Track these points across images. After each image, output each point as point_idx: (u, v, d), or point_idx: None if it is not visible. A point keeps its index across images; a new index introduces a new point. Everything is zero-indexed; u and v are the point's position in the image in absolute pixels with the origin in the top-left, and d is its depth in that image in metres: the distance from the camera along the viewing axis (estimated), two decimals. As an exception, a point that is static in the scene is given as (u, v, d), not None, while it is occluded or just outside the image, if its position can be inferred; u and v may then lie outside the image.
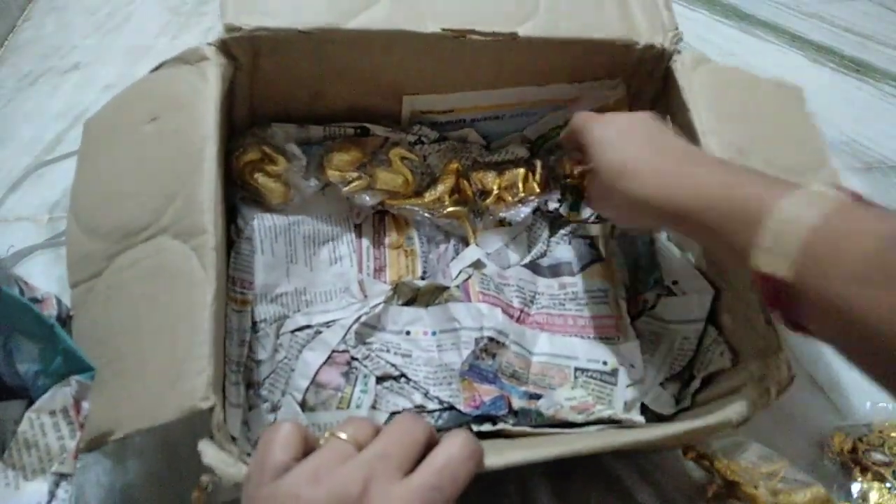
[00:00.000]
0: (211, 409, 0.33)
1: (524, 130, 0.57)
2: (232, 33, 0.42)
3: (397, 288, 0.49)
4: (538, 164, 0.56)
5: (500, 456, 0.35)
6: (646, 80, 0.53)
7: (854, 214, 0.30)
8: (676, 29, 0.50)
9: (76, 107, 0.63)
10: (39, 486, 0.32)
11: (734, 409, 0.38)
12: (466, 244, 0.54)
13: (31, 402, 0.33)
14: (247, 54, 0.45)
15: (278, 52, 0.45)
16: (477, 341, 0.47)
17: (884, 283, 0.27)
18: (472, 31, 0.46)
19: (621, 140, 0.41)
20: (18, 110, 0.63)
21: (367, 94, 0.51)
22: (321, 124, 0.52)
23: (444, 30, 0.45)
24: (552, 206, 0.56)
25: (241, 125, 0.51)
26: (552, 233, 0.57)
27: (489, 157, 0.56)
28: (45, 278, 0.54)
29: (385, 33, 0.45)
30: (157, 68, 0.44)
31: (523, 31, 0.47)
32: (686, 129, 0.48)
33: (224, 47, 0.43)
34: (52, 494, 0.32)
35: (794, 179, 0.45)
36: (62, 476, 0.33)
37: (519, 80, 0.52)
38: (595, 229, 0.56)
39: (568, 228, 0.57)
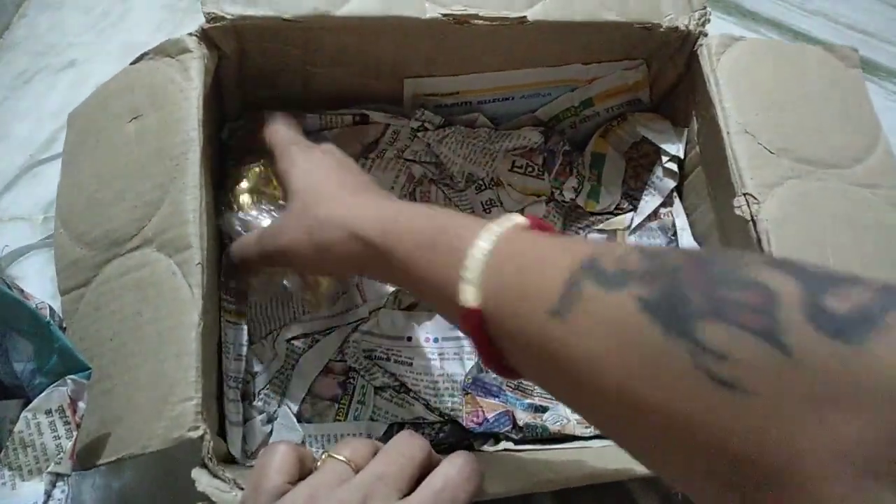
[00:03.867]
0: (201, 438, 0.33)
1: (536, 112, 0.54)
2: (214, 23, 0.41)
3: (398, 294, 0.48)
4: (557, 150, 0.54)
5: (503, 482, 0.34)
6: (667, 62, 0.51)
7: (539, 244, 0.29)
8: (704, 8, 0.47)
9: (71, 105, 0.62)
10: (36, 487, 0.33)
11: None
12: None
13: (28, 402, 0.33)
14: (231, 44, 0.43)
15: (265, 41, 0.44)
16: None
17: (577, 317, 0.25)
18: (476, 17, 0.44)
19: (319, 168, 0.39)
20: (13, 109, 0.63)
21: (366, 78, 0.49)
22: (318, 111, 0.50)
23: (444, 15, 0.43)
24: (567, 195, 0.54)
25: (234, 114, 0.50)
26: (566, 225, 0.54)
27: (499, 142, 0.54)
28: (40, 278, 0.54)
29: (380, 20, 0.42)
30: (137, 60, 0.43)
31: (532, 14, 0.44)
32: (711, 127, 0.46)
33: (206, 37, 0.41)
34: (48, 494, 0.32)
35: (838, 172, 0.43)
36: (58, 476, 0.33)
37: (529, 63, 0.50)
38: (614, 222, 0.54)
39: (584, 221, 0.54)
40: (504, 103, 0.53)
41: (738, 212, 0.42)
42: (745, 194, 0.42)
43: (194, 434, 0.33)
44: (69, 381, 0.33)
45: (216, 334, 0.41)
